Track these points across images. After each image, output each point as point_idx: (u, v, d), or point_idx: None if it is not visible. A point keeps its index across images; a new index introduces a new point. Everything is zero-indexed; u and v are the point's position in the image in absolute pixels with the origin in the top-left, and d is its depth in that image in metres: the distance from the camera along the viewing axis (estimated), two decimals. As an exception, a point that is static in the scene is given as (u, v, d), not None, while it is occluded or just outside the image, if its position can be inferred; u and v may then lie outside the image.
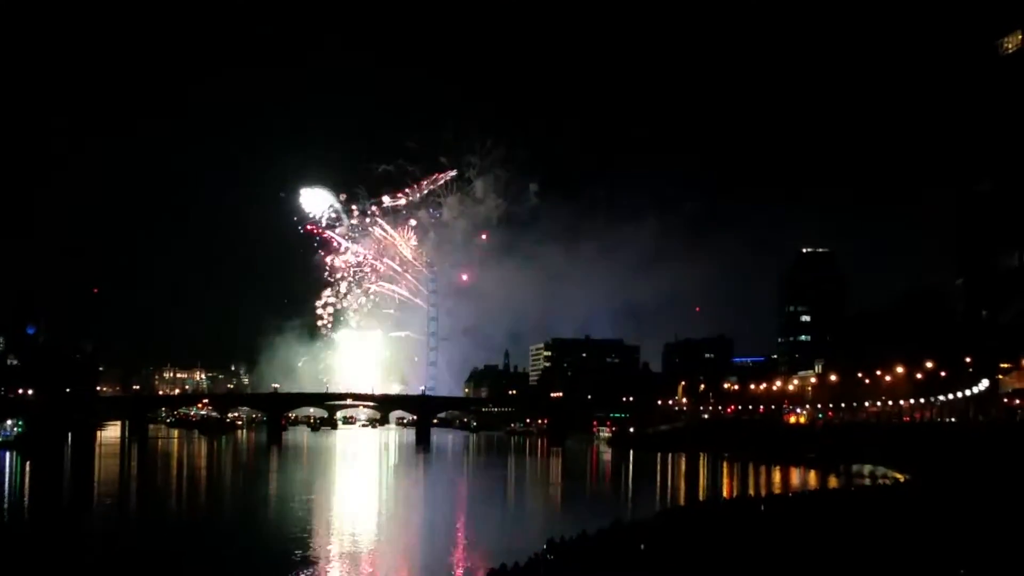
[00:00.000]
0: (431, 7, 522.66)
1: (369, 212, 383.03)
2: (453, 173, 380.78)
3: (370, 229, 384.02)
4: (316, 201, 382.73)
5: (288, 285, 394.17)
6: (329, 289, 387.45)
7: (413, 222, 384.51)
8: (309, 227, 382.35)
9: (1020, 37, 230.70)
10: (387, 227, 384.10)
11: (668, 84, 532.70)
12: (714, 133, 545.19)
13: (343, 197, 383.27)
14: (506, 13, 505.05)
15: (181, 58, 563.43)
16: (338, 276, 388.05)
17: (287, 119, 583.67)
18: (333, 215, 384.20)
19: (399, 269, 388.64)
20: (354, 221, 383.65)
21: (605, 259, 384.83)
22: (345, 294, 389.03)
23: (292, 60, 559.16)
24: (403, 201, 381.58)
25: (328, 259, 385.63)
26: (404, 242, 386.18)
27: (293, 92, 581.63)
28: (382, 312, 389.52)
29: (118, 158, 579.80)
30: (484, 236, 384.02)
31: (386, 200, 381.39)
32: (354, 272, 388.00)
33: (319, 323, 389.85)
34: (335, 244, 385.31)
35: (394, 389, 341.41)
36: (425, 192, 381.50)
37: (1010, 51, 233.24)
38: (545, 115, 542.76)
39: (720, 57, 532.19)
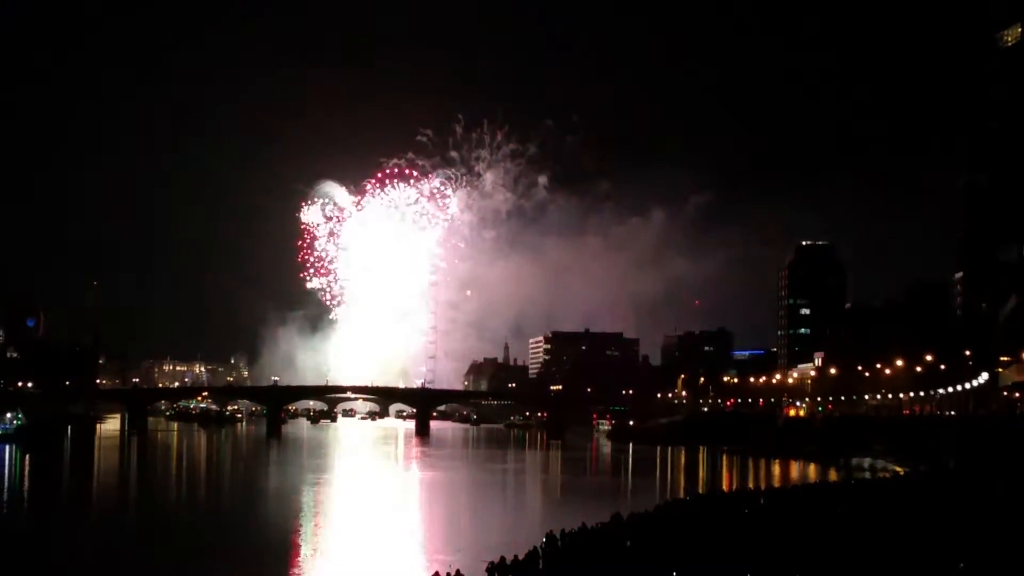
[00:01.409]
0: (444, 3, 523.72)
1: (375, 204, 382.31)
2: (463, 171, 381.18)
3: (376, 222, 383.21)
4: (322, 194, 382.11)
5: (289, 278, 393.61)
6: (330, 282, 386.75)
7: (419, 215, 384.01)
8: (312, 220, 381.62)
9: (1020, 30, 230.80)
10: (392, 220, 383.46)
11: (673, 81, 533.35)
12: (717, 128, 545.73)
13: (350, 189, 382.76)
14: (518, 9, 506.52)
15: (186, 54, 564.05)
16: (340, 269, 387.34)
17: (296, 113, 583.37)
18: (340, 207, 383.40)
19: (401, 262, 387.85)
20: (360, 213, 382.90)
21: (608, 254, 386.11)
22: (346, 287, 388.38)
23: (302, 56, 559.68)
24: (411, 194, 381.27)
25: (330, 252, 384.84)
26: (408, 235, 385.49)
27: (303, 86, 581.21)
28: (383, 305, 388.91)
29: (119, 150, 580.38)
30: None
31: (394, 193, 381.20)
32: (356, 265, 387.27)
33: (319, 312, 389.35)
34: (338, 237, 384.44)
35: (394, 382, 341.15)
36: (434, 185, 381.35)
37: (1010, 44, 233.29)
38: (555, 110, 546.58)
39: (723, 51, 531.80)
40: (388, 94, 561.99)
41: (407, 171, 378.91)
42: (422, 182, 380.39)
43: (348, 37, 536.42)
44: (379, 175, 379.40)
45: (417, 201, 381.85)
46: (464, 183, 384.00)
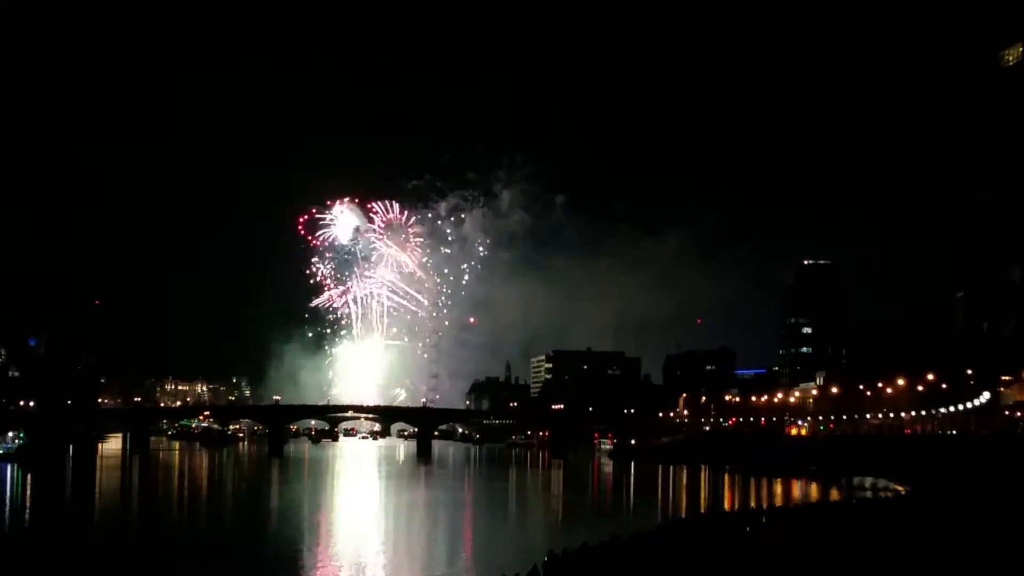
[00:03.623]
0: (463, 26, 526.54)
1: (387, 226, 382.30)
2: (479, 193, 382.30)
3: (389, 241, 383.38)
4: (334, 213, 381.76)
5: (295, 296, 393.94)
6: (335, 302, 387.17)
7: (433, 236, 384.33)
8: (315, 242, 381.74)
9: (1021, 50, 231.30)
10: (406, 240, 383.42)
11: (680, 102, 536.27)
12: (722, 150, 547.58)
13: (364, 208, 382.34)
14: (534, 31, 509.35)
15: (191, 67, 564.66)
16: (348, 289, 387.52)
17: (308, 130, 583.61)
18: (352, 226, 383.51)
19: (408, 283, 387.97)
20: (372, 233, 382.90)
21: (620, 274, 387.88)
22: (353, 306, 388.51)
23: (320, 76, 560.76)
24: (427, 214, 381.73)
25: (339, 272, 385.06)
26: (421, 255, 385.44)
27: (315, 101, 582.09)
28: (386, 324, 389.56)
29: (121, 167, 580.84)
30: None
31: (407, 214, 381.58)
32: (365, 284, 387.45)
33: (324, 331, 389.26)
34: (348, 257, 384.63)
35: (396, 401, 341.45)
36: (450, 206, 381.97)
37: (1011, 63, 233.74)
38: (572, 132, 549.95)
39: (728, 74, 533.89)
40: (408, 113, 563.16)
41: (425, 192, 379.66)
42: (439, 203, 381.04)
43: (369, 57, 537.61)
44: (394, 195, 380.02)
45: (433, 222, 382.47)
46: (481, 203, 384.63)
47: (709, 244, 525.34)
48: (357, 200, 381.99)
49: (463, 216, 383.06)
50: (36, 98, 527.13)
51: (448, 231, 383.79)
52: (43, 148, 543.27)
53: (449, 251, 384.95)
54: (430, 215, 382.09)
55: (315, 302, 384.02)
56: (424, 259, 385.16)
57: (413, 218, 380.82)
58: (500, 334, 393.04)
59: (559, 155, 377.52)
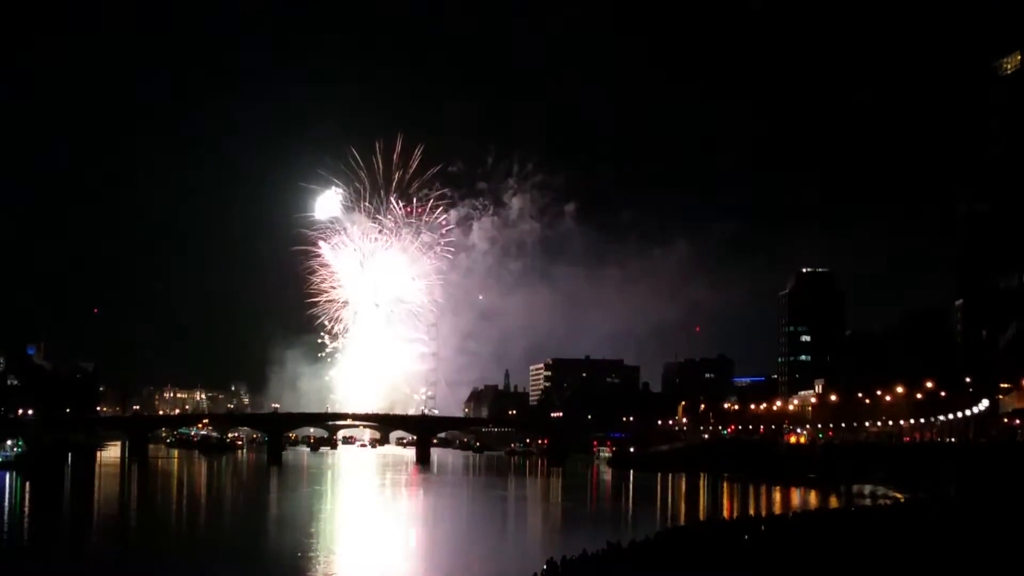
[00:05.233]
0: (471, 33, 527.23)
1: (392, 234, 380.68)
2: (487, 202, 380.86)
3: (393, 250, 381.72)
4: (339, 220, 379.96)
5: (293, 304, 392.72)
6: (335, 308, 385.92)
7: (440, 244, 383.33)
8: (317, 248, 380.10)
9: (1019, 58, 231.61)
10: (411, 248, 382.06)
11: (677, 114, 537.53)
12: (724, 158, 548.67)
13: (370, 217, 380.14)
14: (550, 43, 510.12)
15: (191, 73, 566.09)
16: (350, 296, 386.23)
17: (315, 135, 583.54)
18: (353, 234, 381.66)
19: (410, 291, 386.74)
20: (378, 240, 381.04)
21: (628, 284, 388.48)
22: (351, 314, 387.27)
23: (328, 81, 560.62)
24: (433, 223, 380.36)
25: (341, 279, 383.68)
26: (425, 262, 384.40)
27: (319, 108, 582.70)
28: (387, 331, 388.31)
29: (120, 170, 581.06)
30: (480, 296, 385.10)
31: (413, 222, 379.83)
32: (367, 292, 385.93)
33: (323, 338, 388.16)
34: (345, 261, 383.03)
35: (396, 409, 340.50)
36: (460, 216, 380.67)
37: (1009, 72, 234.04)
38: (584, 143, 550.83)
39: (731, 84, 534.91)
40: (418, 122, 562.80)
41: (432, 201, 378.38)
42: (448, 212, 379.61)
43: (382, 67, 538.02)
44: (402, 204, 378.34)
45: (441, 231, 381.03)
46: (491, 212, 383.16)
47: (711, 254, 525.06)
48: (360, 205, 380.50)
49: (472, 224, 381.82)
50: (35, 103, 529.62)
51: (456, 239, 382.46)
52: (41, 152, 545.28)
53: (456, 259, 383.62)
54: (438, 224, 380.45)
55: (315, 309, 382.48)
56: (429, 267, 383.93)
57: (420, 226, 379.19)
58: (503, 342, 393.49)
59: (570, 163, 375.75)
